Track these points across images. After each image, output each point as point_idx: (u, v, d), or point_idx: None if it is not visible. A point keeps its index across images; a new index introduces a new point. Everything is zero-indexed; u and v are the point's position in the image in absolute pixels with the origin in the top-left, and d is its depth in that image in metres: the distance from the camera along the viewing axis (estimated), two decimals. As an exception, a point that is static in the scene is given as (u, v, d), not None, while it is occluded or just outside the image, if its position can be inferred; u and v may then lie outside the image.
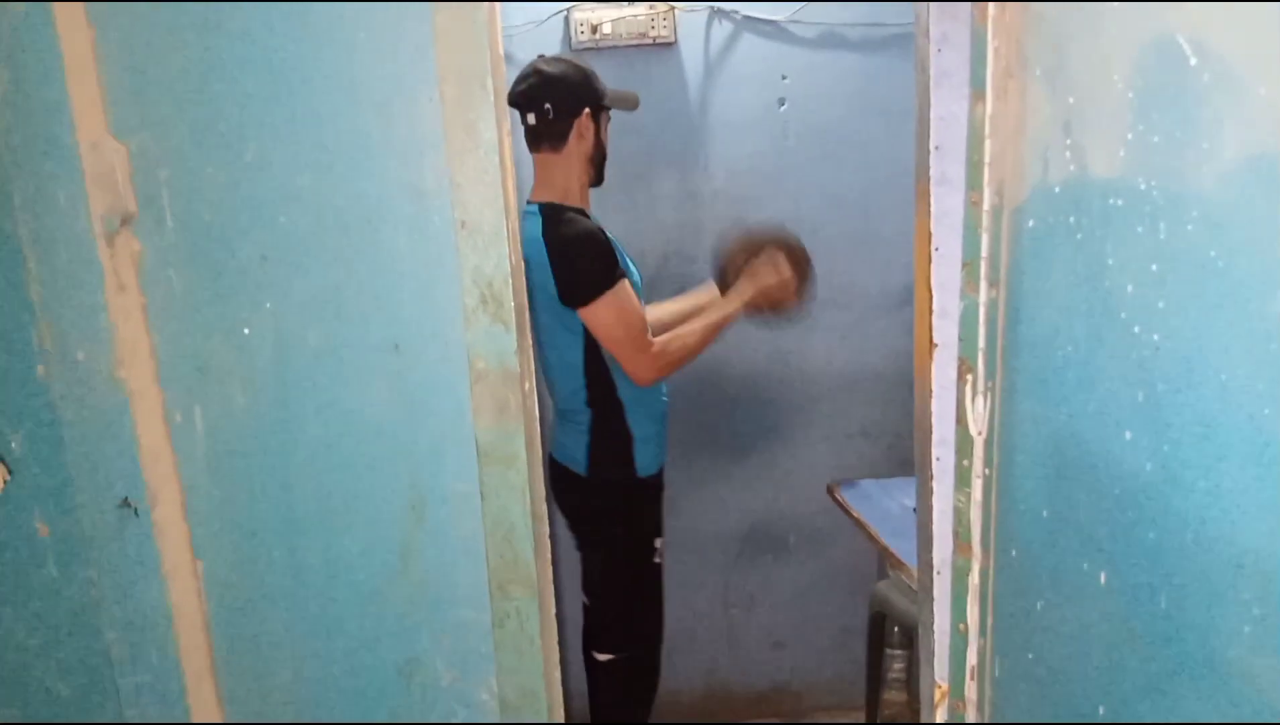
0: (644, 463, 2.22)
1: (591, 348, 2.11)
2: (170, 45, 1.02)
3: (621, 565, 2.26)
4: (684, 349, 2.08)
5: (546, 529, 1.16)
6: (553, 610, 1.18)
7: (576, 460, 2.22)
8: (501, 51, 1.05)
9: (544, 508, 1.14)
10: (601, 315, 2.01)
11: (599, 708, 2.34)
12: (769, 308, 2.23)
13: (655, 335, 2.06)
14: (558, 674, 1.17)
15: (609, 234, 2.10)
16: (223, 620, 1.18)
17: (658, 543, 2.28)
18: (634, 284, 2.11)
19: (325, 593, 1.15)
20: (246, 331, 1.09)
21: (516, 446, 1.07)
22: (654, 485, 2.28)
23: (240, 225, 1.06)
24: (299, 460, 1.12)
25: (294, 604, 1.16)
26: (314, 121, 1.03)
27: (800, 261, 2.26)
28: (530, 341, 1.11)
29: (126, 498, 1.12)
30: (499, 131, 1.01)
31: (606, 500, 2.24)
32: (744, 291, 2.18)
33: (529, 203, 2.17)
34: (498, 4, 1.09)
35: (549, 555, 1.17)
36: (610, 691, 2.32)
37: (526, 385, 1.09)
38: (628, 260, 2.16)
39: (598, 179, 2.21)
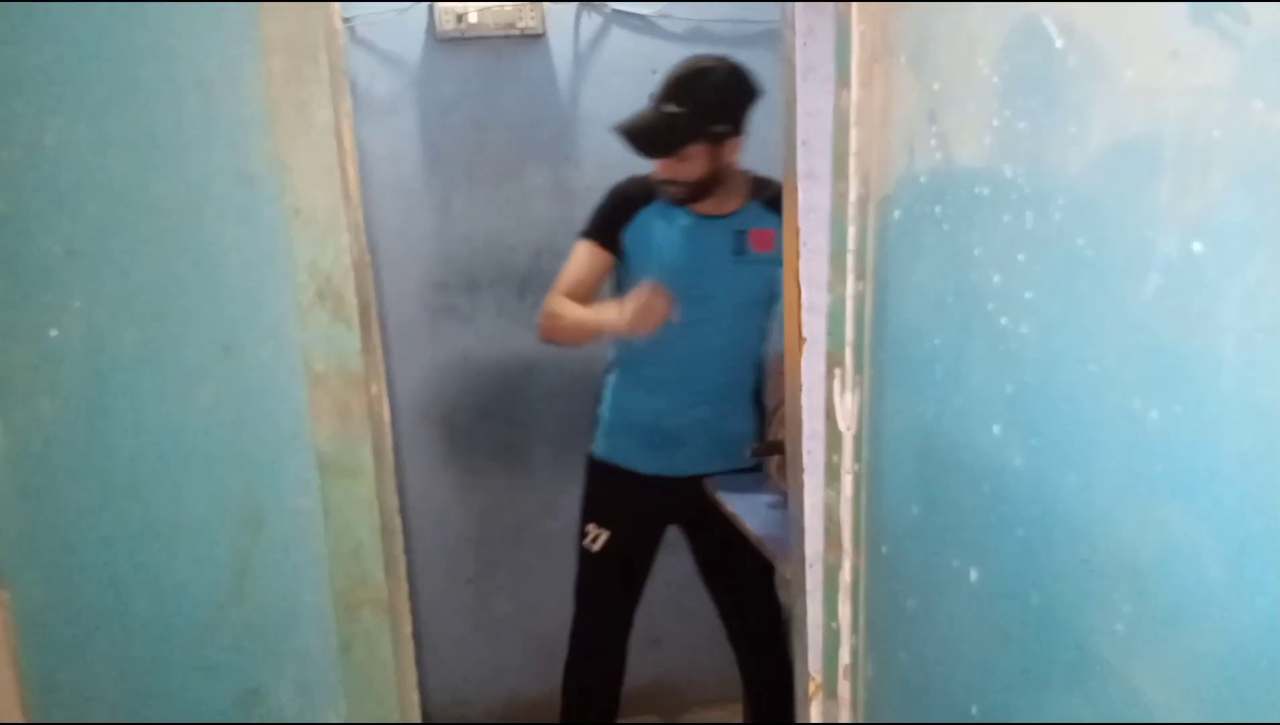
0: (602, 446, 2.26)
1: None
2: (-45, 11, 0.90)
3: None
4: (563, 317, 2.12)
5: (400, 543, 1.08)
6: (408, 631, 1.10)
7: None
8: (339, 24, 0.96)
9: (396, 521, 1.06)
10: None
11: None
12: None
13: None
14: (415, 698, 1.09)
15: (663, 220, 2.12)
16: (35, 656, 1.05)
17: (590, 527, 2.27)
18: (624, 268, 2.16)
19: (152, 621, 1.04)
20: (54, 333, 0.97)
21: (362, 457, 0.99)
22: (608, 470, 2.28)
23: (42, 215, 0.94)
24: (118, 475, 1.01)
25: (117, 635, 1.05)
26: (127, 99, 0.92)
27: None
28: (377, 341, 1.03)
29: (-87, 524, 0.99)
30: (335, 111, 0.92)
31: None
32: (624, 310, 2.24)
33: None
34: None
35: (403, 572, 1.09)
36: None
37: (373, 388, 1.01)
38: (649, 251, 2.14)
39: None
